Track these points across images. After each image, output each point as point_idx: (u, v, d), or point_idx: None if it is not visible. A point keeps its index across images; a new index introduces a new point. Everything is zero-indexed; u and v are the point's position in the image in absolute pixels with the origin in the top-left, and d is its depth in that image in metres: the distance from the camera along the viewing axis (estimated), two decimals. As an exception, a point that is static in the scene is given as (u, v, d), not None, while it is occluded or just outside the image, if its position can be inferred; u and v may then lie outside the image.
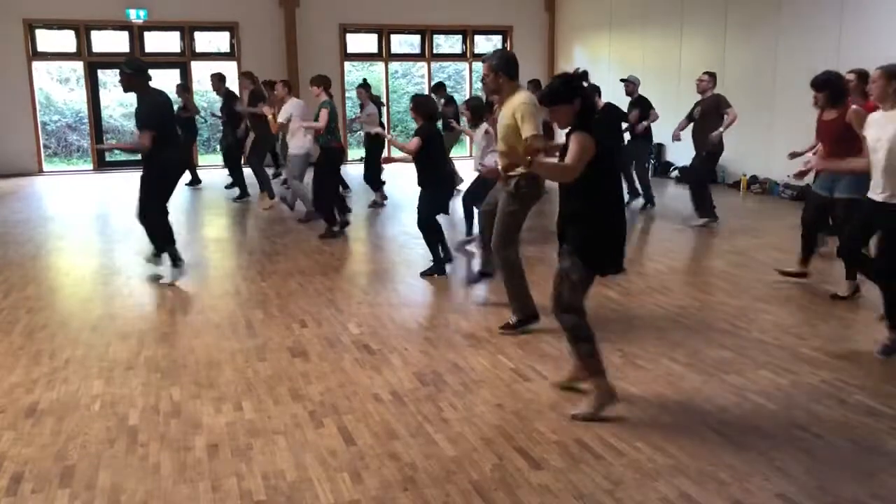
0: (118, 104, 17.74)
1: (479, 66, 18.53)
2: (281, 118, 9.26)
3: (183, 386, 4.27)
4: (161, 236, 6.62)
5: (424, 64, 17.78)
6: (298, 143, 9.18)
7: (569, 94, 3.64)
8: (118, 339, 5.10)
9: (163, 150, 6.25)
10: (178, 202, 11.72)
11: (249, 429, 3.71)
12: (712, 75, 8.90)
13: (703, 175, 9.03)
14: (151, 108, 6.27)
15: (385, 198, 10.91)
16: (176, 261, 6.59)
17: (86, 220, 10.14)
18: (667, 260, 7.40)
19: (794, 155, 7.38)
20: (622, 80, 10.31)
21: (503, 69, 4.88)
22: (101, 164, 15.96)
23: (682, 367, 4.45)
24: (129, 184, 13.69)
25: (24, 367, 4.58)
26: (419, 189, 6.69)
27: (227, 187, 12.18)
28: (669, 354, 4.66)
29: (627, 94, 10.17)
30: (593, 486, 3.14)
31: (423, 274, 6.71)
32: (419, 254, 7.79)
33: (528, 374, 4.39)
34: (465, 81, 17.98)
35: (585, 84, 3.75)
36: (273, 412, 3.90)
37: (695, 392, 4.10)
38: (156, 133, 6.17)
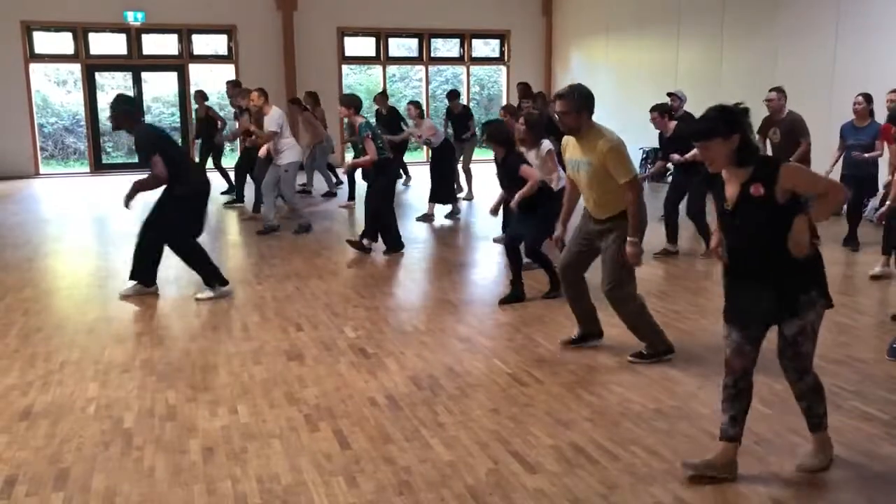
0: (115, 107, 17.71)
1: (476, 70, 18.69)
2: (271, 127, 8.91)
3: (178, 389, 4.27)
4: (197, 264, 6.17)
5: (422, 67, 17.81)
6: (292, 153, 9.04)
7: (726, 128, 3.04)
8: (114, 342, 5.09)
9: (173, 186, 5.93)
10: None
11: (244, 432, 3.70)
12: (782, 91, 7.95)
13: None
14: (147, 133, 5.97)
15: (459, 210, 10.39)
16: (209, 280, 6.22)
17: (82, 223, 10.13)
18: (664, 264, 7.41)
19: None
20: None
21: (586, 108, 4.46)
22: (98, 167, 15.96)
23: (677, 372, 4.45)
24: (125, 187, 13.70)
25: (19, 370, 4.57)
26: (523, 213, 6.12)
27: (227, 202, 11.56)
28: (665, 359, 4.66)
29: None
30: (588, 490, 3.14)
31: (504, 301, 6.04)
32: (415, 258, 7.79)
33: (523, 378, 4.39)
34: (463, 85, 18.00)
35: (749, 124, 3.17)
36: (268, 416, 3.90)
37: (690, 396, 4.10)
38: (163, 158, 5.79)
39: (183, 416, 3.90)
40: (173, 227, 6.03)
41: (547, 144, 6.88)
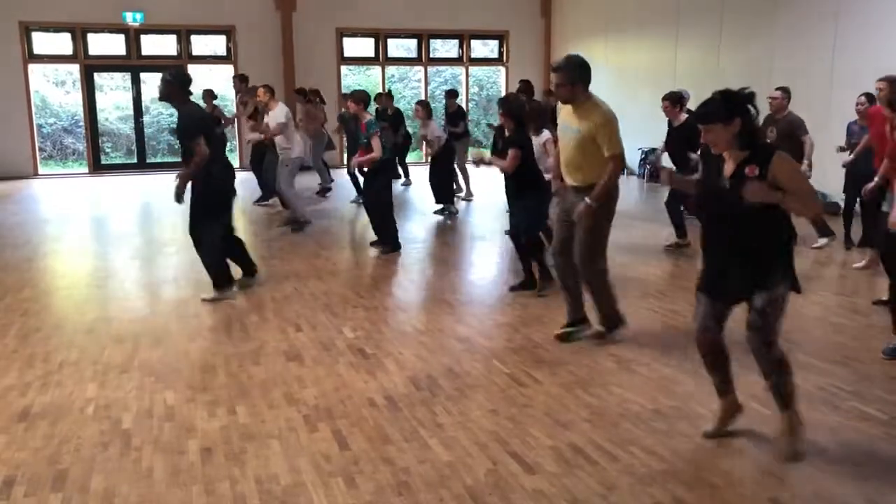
0: (114, 107, 17.70)
1: (475, 71, 18.66)
2: (280, 119, 9.04)
3: (177, 390, 4.26)
4: (213, 261, 6.14)
5: (421, 68, 17.82)
6: (296, 149, 9.17)
7: (727, 112, 3.18)
8: (113, 343, 5.09)
9: (209, 167, 5.86)
10: (173, 207, 11.71)
11: (243, 433, 3.70)
12: (787, 91, 8.06)
13: None
14: (192, 116, 5.93)
15: (457, 210, 10.51)
16: (218, 281, 6.18)
17: (81, 224, 10.12)
18: (661, 264, 7.41)
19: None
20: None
21: (581, 79, 4.58)
22: (97, 168, 15.96)
23: (675, 372, 4.46)
24: (124, 187, 13.73)
25: (17, 371, 4.57)
26: (515, 199, 6.25)
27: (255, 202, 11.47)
28: (663, 359, 4.67)
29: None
30: (587, 490, 3.14)
31: (513, 288, 6.33)
32: (414, 258, 7.79)
33: (522, 379, 4.39)
34: (462, 86, 18.01)
35: (754, 109, 3.26)
36: (267, 416, 3.90)
37: (688, 397, 4.10)
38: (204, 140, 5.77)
39: (181, 417, 3.90)
40: (206, 212, 5.99)
41: (546, 134, 7.05)
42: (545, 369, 4.53)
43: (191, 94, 5.99)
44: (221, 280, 6.16)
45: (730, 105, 3.20)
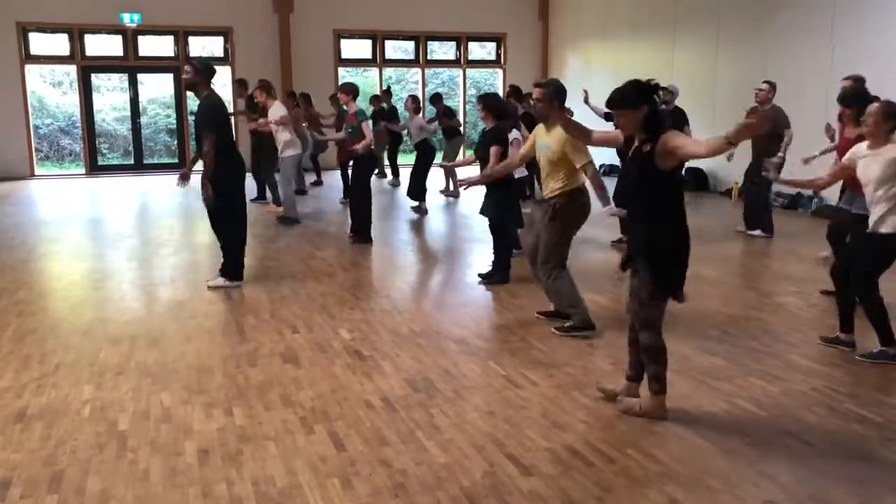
0: (111, 108, 17.69)
1: (472, 73, 18.70)
2: (281, 114, 9.42)
3: (173, 391, 4.26)
4: (233, 248, 6.45)
5: (418, 70, 17.83)
6: (290, 147, 9.53)
7: (635, 99, 3.56)
8: (109, 344, 5.08)
9: (226, 158, 6.12)
10: (170, 208, 11.71)
11: (240, 434, 3.70)
12: (773, 85, 8.42)
13: (763, 191, 8.61)
14: (211, 108, 6.10)
15: (426, 210, 10.63)
16: (229, 270, 6.49)
17: (78, 224, 10.10)
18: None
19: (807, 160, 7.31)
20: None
21: (558, 98, 5.11)
22: (94, 169, 15.93)
23: (672, 374, 4.43)
24: (121, 188, 13.71)
25: (13, 372, 4.56)
26: (486, 193, 6.48)
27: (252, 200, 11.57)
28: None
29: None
30: (584, 492, 3.14)
31: (483, 277, 6.67)
32: (412, 260, 7.80)
33: (519, 381, 4.39)
34: (459, 88, 18.02)
35: (659, 99, 3.62)
36: (264, 418, 3.89)
37: (685, 399, 4.11)
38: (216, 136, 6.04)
39: (178, 419, 3.90)
40: (226, 203, 6.26)
41: (515, 133, 7.42)
42: (541, 371, 4.53)
43: (212, 84, 6.24)
44: (231, 269, 6.45)
45: (638, 93, 3.55)
